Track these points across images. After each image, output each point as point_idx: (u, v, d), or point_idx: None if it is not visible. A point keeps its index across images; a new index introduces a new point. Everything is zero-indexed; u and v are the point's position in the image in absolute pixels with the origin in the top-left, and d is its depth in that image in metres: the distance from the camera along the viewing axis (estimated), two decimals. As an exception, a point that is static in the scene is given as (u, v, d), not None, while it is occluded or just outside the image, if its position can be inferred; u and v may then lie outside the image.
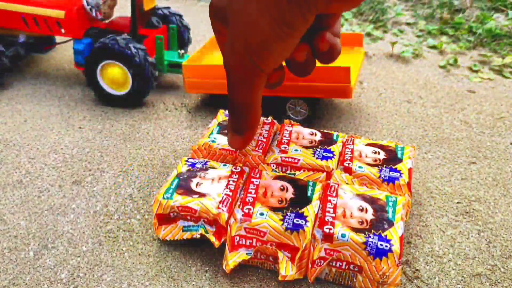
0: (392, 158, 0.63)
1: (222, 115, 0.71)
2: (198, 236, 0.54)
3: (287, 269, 0.50)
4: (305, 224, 0.50)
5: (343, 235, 0.48)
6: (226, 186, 0.56)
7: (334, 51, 0.42)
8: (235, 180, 0.57)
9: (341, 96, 0.77)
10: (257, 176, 0.57)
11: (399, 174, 0.60)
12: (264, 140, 0.65)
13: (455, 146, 0.81)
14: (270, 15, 0.36)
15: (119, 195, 0.65)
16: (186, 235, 0.54)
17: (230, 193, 0.55)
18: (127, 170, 0.71)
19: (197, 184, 0.56)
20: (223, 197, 0.54)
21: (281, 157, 0.62)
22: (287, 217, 0.51)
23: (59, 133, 0.80)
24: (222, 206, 0.52)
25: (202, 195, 0.55)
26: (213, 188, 0.55)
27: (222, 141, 0.64)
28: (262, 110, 0.45)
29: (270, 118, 0.70)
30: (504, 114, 0.93)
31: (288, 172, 0.62)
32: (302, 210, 0.52)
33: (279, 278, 0.50)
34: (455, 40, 1.34)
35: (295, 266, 0.50)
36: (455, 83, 1.06)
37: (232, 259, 0.51)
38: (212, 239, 0.53)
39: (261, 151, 0.63)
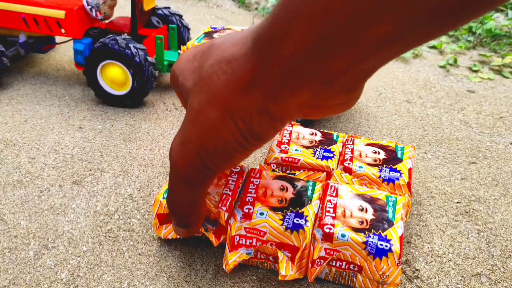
0: (392, 158, 0.63)
1: (208, 29, 0.82)
2: (199, 234, 0.54)
3: (287, 269, 0.50)
4: (305, 224, 0.50)
5: (343, 235, 0.49)
6: (226, 185, 0.56)
7: None
8: (235, 179, 0.57)
9: (341, 96, 0.77)
10: (257, 176, 0.57)
11: (399, 174, 0.60)
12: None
13: (455, 146, 0.81)
14: (235, 124, 0.30)
15: (119, 195, 0.65)
16: None
17: (230, 193, 0.55)
18: (127, 170, 0.71)
19: None
20: (222, 196, 0.54)
21: (281, 157, 0.62)
22: (287, 216, 0.51)
23: (59, 133, 0.80)
24: (221, 206, 0.53)
25: None
26: (212, 187, 0.55)
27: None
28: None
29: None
30: (504, 114, 0.93)
31: (288, 172, 0.62)
32: (302, 210, 0.52)
33: (279, 277, 0.50)
34: (455, 40, 1.34)
35: (295, 266, 0.50)
36: (455, 83, 1.06)
37: (232, 258, 0.51)
38: (212, 238, 0.53)
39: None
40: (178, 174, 0.36)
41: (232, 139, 0.31)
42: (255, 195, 0.54)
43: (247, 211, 0.52)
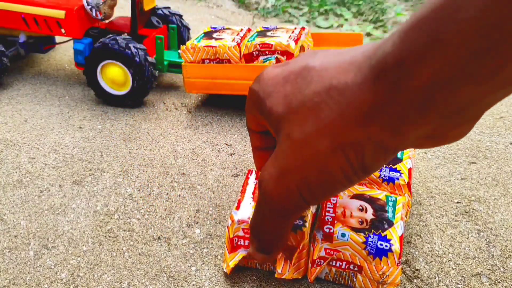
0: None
1: (208, 28, 0.90)
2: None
3: (284, 268, 0.50)
4: (303, 224, 0.50)
5: (343, 235, 0.49)
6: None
7: None
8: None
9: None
10: (254, 177, 0.57)
11: (399, 174, 0.60)
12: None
13: (455, 146, 0.81)
14: (345, 157, 0.28)
15: (119, 195, 0.65)
16: None
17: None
18: (127, 170, 0.71)
19: None
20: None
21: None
22: None
23: (59, 133, 0.80)
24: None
25: None
26: None
27: (204, 43, 0.82)
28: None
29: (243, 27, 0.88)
30: (504, 114, 0.93)
31: None
32: None
33: (276, 275, 0.50)
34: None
35: (293, 266, 0.50)
36: (455, 83, 1.07)
37: (232, 259, 0.51)
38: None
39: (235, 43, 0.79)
40: (271, 205, 0.34)
41: (340, 173, 0.29)
42: (252, 196, 0.54)
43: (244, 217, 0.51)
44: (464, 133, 0.28)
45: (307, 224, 0.50)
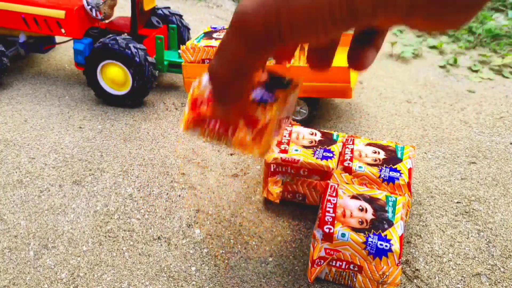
0: (392, 158, 0.63)
1: (208, 28, 0.89)
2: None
3: (243, 138, 0.44)
4: (274, 100, 0.44)
5: (343, 235, 0.49)
6: None
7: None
8: None
9: (341, 96, 0.77)
10: None
11: (399, 174, 0.60)
12: None
13: (455, 146, 0.81)
14: None
15: (119, 195, 0.65)
16: None
17: None
18: (127, 170, 0.71)
19: None
20: None
21: (281, 157, 0.62)
22: (258, 92, 0.45)
23: (59, 133, 0.80)
24: None
25: None
26: None
27: (204, 43, 0.82)
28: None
29: None
30: (503, 114, 0.93)
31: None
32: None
33: (232, 143, 0.44)
34: (455, 40, 1.34)
35: (251, 139, 0.44)
36: (455, 83, 1.06)
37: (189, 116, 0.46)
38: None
39: None
40: (241, 27, 0.32)
41: (326, 3, 0.29)
42: None
43: None
44: (462, 18, 0.26)
45: (273, 100, 0.44)
